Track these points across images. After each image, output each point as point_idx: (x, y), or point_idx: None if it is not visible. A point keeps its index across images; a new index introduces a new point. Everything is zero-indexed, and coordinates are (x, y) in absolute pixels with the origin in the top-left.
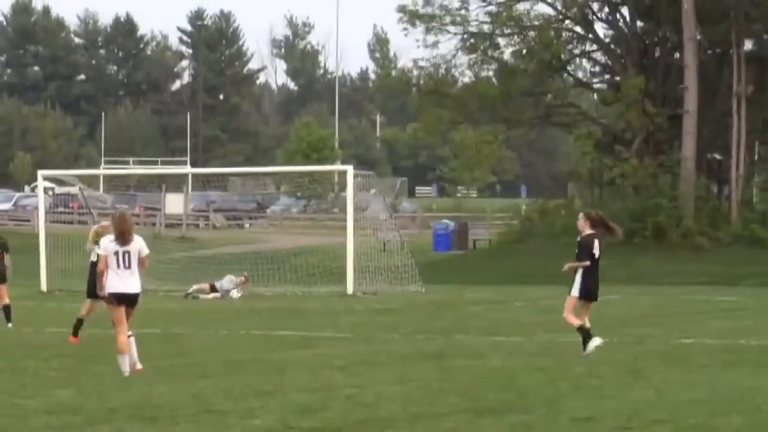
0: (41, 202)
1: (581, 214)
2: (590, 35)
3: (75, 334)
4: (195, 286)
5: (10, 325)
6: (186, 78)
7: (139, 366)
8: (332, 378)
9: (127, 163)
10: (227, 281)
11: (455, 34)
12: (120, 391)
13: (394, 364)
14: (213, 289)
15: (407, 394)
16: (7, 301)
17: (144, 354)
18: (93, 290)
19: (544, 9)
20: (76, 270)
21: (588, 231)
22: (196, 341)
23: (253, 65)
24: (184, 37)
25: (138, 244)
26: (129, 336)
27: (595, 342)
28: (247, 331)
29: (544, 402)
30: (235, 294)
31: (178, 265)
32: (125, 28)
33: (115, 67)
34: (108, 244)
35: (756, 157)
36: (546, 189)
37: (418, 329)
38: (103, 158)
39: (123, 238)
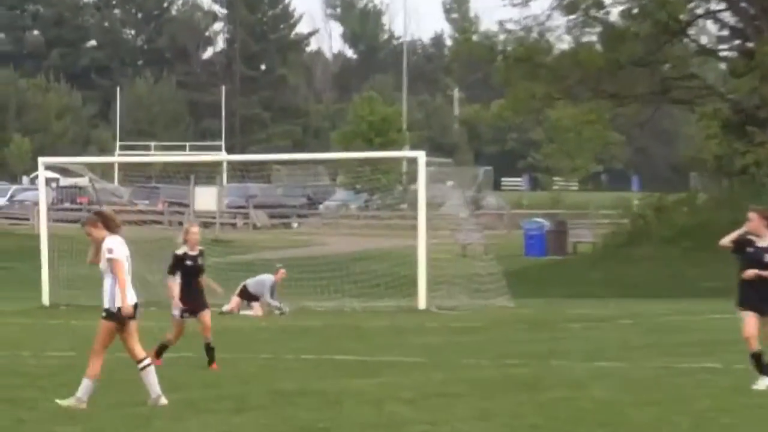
0: (43, 196)
1: (755, 214)
2: None
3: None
4: (226, 307)
5: None
6: (220, 44)
7: (163, 400)
8: (399, 413)
9: (147, 148)
10: (263, 285)
11: None
12: (139, 428)
13: (476, 396)
14: (246, 295)
15: None
16: None
17: (171, 383)
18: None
19: None
20: (85, 280)
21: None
22: (233, 367)
23: (302, 28)
24: None
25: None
26: (145, 361)
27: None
28: (296, 355)
29: None
30: (283, 306)
31: (212, 274)
32: None
33: (132, 31)
34: (121, 247)
35: None
36: (663, 180)
37: (505, 353)
38: (118, 143)
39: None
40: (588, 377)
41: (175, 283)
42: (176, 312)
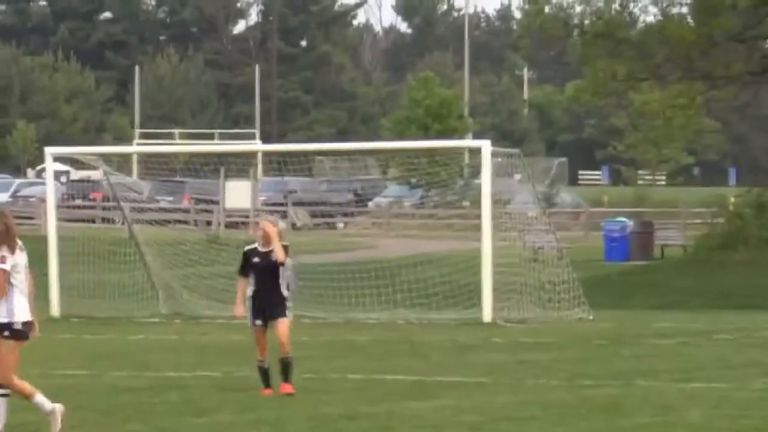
0: (51, 192)
1: None
2: None
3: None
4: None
5: None
6: (253, 17)
7: None
8: None
9: (171, 137)
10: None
11: None
12: None
13: (549, 421)
14: None
15: None
16: None
17: (196, 407)
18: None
19: None
20: (100, 288)
21: None
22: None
23: (348, 0)
24: None
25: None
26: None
27: None
28: (342, 374)
29: None
30: None
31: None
32: None
33: (153, 2)
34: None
35: None
36: (764, 173)
37: (582, 372)
38: (137, 130)
39: (15, 243)
40: (679, 399)
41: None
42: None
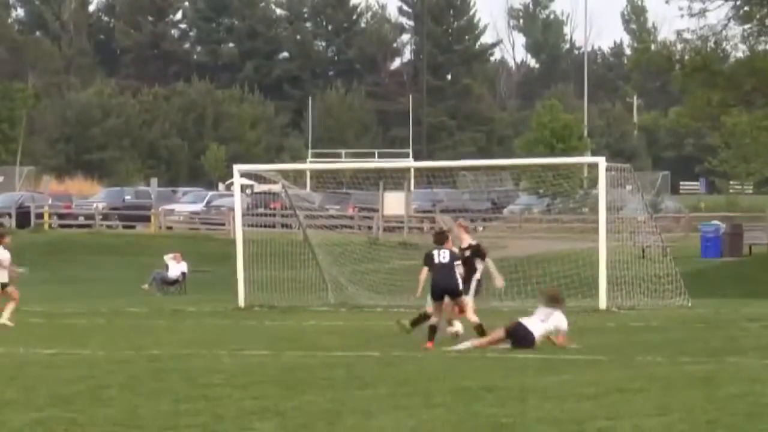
0: (238, 202)
1: None
2: None
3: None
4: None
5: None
6: (407, 55)
7: None
8: (581, 408)
9: (338, 156)
10: None
11: (726, 0)
12: (331, 424)
13: (654, 392)
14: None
15: (670, 427)
16: None
17: (360, 381)
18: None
19: None
20: (278, 282)
21: None
22: (420, 365)
23: (486, 39)
24: (405, 7)
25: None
26: None
27: None
28: (481, 353)
29: None
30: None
31: (399, 276)
32: None
33: (323, 43)
34: None
35: None
36: None
37: (683, 350)
38: (309, 150)
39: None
40: (765, 374)
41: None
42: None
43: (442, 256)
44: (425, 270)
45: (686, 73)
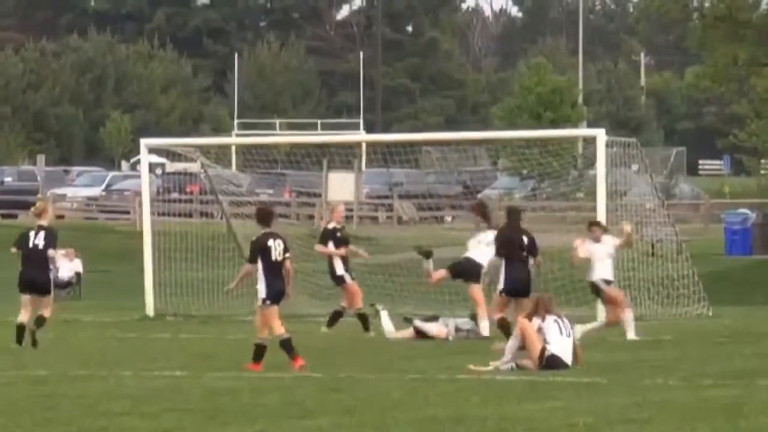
0: (145, 185)
1: None
2: None
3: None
4: (391, 331)
5: None
6: (358, 2)
7: None
8: None
9: (271, 127)
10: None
11: None
12: None
13: (666, 423)
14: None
15: None
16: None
17: (300, 408)
18: None
19: None
20: (196, 285)
21: None
22: (373, 389)
23: None
24: None
25: None
26: None
27: None
28: (450, 374)
29: None
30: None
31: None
32: None
33: None
34: None
35: None
36: None
37: (702, 371)
38: (235, 120)
39: None
40: None
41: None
42: None
43: None
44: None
45: (706, 25)
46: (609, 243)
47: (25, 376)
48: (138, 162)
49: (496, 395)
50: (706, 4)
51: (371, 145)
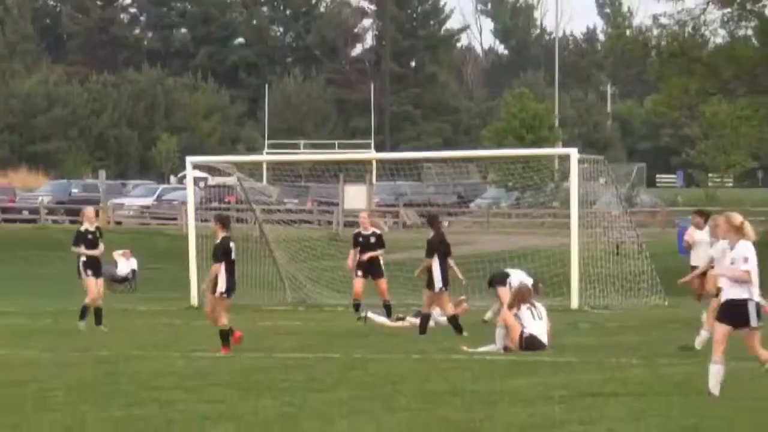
0: (191, 195)
1: None
2: None
3: None
4: (373, 316)
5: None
6: (369, 41)
7: None
8: (551, 413)
9: (296, 147)
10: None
11: None
12: (288, 430)
13: (629, 396)
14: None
15: None
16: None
17: (321, 383)
18: None
19: None
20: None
21: None
22: (383, 368)
23: (452, 24)
24: None
25: None
26: None
27: None
28: (446, 355)
29: None
30: (444, 318)
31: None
32: None
33: (280, 29)
34: None
35: None
36: None
37: (659, 352)
38: (266, 141)
39: None
40: (746, 376)
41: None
42: None
43: None
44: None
45: (663, 60)
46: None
47: (90, 357)
48: (184, 176)
49: (486, 372)
50: (663, 43)
51: (380, 162)
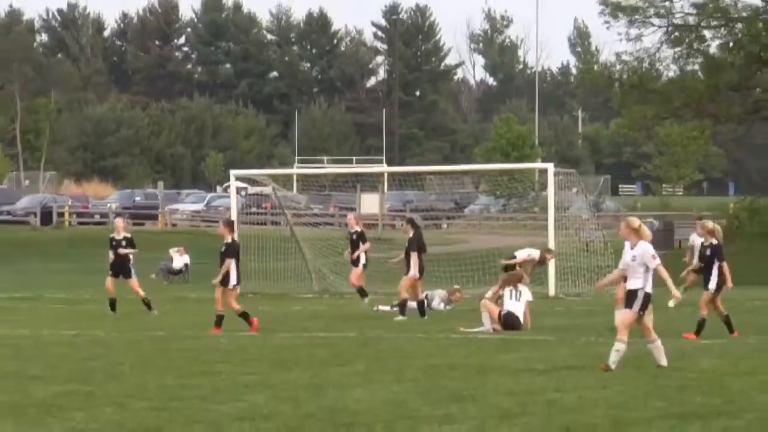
0: (233, 202)
1: None
2: None
3: None
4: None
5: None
6: (381, 74)
7: None
8: (533, 382)
9: (321, 162)
10: (437, 298)
11: (659, 26)
12: (314, 396)
13: (596, 368)
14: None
15: (610, 399)
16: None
17: (340, 358)
18: None
19: (752, 0)
20: (269, 272)
21: None
22: (393, 345)
23: (450, 61)
24: (379, 33)
25: None
26: None
27: None
28: (446, 334)
29: (753, 407)
30: (442, 306)
31: (373, 266)
32: (319, 23)
33: (308, 64)
34: None
35: None
36: (756, 186)
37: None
38: (296, 157)
39: None
40: (693, 352)
41: None
42: None
43: None
44: None
45: (624, 90)
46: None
47: (149, 336)
48: (228, 186)
49: (479, 349)
50: (624, 76)
51: (390, 174)
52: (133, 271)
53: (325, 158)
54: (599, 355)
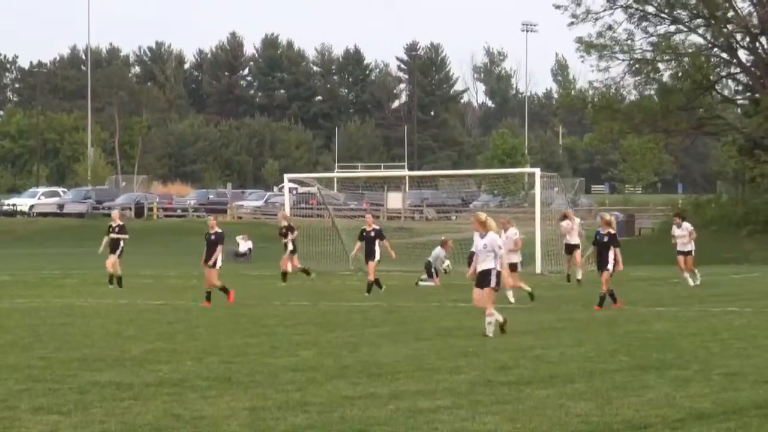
0: (287, 199)
1: None
2: (734, 60)
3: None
4: (426, 282)
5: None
6: (403, 98)
7: None
8: (524, 341)
9: (356, 167)
10: (437, 259)
11: (623, 60)
12: (351, 352)
13: (572, 330)
14: (428, 270)
15: (585, 354)
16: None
17: (372, 322)
18: None
19: (696, 39)
20: (315, 254)
21: None
22: (413, 312)
23: (457, 87)
24: (402, 65)
25: None
26: None
27: None
28: (454, 303)
29: (698, 360)
30: (447, 262)
31: (397, 250)
32: (354, 58)
33: (346, 90)
34: None
35: None
36: (699, 186)
37: (592, 301)
38: (336, 164)
39: None
40: (650, 317)
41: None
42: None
43: None
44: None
45: (595, 111)
46: (686, 228)
47: (221, 305)
48: (282, 187)
49: (480, 314)
50: (595, 99)
51: (411, 177)
52: (119, 251)
53: (359, 165)
54: (575, 320)
